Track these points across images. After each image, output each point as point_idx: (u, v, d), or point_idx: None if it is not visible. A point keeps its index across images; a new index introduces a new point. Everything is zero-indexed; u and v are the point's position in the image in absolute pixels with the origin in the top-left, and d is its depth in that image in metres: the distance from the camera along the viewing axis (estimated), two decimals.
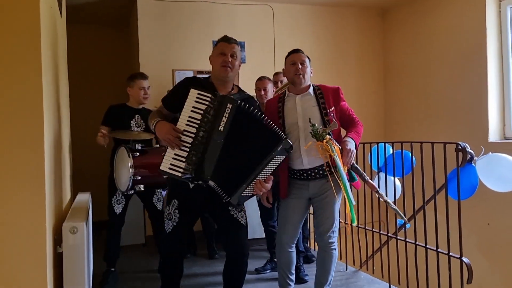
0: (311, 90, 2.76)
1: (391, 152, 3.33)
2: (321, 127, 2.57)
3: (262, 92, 3.64)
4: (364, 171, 3.34)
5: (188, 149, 2.23)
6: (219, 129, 2.22)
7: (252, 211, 4.35)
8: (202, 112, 2.23)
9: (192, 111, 2.23)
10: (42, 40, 1.75)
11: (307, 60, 2.78)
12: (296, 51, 2.81)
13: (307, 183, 2.71)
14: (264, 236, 3.94)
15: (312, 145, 2.56)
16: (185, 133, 2.23)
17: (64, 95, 3.10)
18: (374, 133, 5.87)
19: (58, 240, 2.00)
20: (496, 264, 4.38)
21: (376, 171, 3.54)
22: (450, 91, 5.02)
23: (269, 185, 2.36)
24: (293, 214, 2.77)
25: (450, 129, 4.97)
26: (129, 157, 2.99)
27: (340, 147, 2.58)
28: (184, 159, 2.22)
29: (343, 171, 2.53)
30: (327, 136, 2.54)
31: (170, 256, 2.55)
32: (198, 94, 2.23)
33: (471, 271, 2.69)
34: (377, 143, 3.50)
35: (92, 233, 2.98)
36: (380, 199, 2.69)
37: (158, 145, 3.45)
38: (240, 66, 2.51)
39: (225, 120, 2.21)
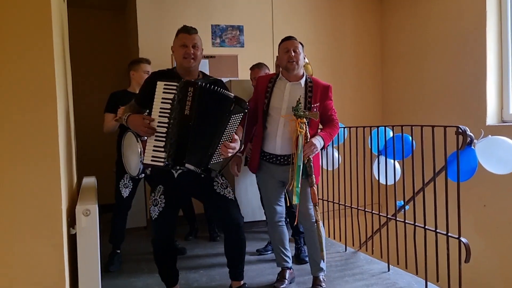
0: (303, 81, 2.86)
1: (391, 135, 3.38)
2: (304, 110, 2.71)
3: (253, 83, 3.68)
4: (364, 155, 3.43)
5: (164, 139, 2.33)
6: (185, 113, 2.33)
7: (252, 194, 4.42)
8: (170, 101, 2.33)
9: (162, 102, 2.34)
10: (54, 27, 1.77)
11: (300, 46, 2.86)
12: (289, 38, 2.90)
13: (276, 167, 2.85)
14: (264, 218, 4.01)
15: (290, 118, 2.72)
16: (159, 124, 2.34)
17: (69, 80, 3.12)
18: (372, 117, 5.94)
19: (71, 222, 2.05)
20: (492, 244, 4.49)
21: (376, 154, 3.60)
22: (448, 74, 5.06)
23: (234, 144, 2.43)
24: (273, 192, 2.94)
25: (448, 112, 5.03)
26: (138, 141, 3.03)
27: (308, 139, 2.72)
28: (162, 149, 2.33)
29: (297, 156, 2.67)
30: (304, 119, 2.68)
31: (160, 241, 2.64)
32: (165, 85, 2.34)
33: (469, 251, 2.77)
34: (377, 127, 3.55)
35: None
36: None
37: None
38: (202, 54, 2.58)
39: (189, 104, 2.33)
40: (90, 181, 3.00)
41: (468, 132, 2.81)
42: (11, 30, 1.66)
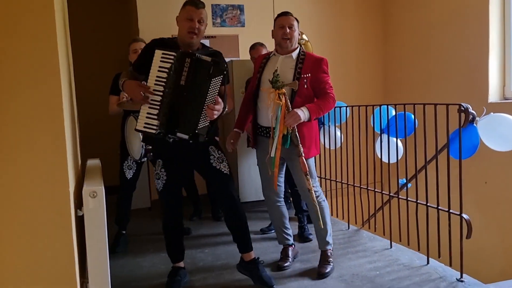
0: (295, 53, 2.85)
1: (394, 114, 3.39)
2: (283, 81, 2.68)
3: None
4: (366, 134, 3.43)
5: (158, 107, 2.35)
6: (181, 83, 2.35)
7: (255, 174, 4.44)
8: (167, 70, 2.34)
9: (159, 70, 2.35)
10: (56, 12, 1.77)
11: (295, 23, 2.86)
12: (285, 14, 2.90)
13: (267, 142, 2.82)
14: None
15: (268, 90, 2.71)
16: (155, 92, 2.35)
17: (71, 63, 3.12)
18: (374, 95, 5.92)
19: (78, 204, 2.07)
20: (492, 221, 4.54)
21: (379, 132, 3.61)
22: (450, 52, 5.03)
23: (218, 106, 2.43)
24: (265, 169, 2.91)
25: (451, 90, 5.01)
26: None
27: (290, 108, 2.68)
28: (156, 117, 2.36)
29: (279, 126, 2.65)
30: (283, 89, 2.66)
31: (168, 213, 2.71)
32: (163, 54, 2.35)
33: (470, 227, 2.81)
34: (380, 105, 3.55)
35: None
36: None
37: None
38: (205, 30, 2.57)
39: (185, 74, 2.34)
40: (94, 163, 3.02)
41: (470, 110, 2.82)
42: (16, 18, 1.66)
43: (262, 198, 4.44)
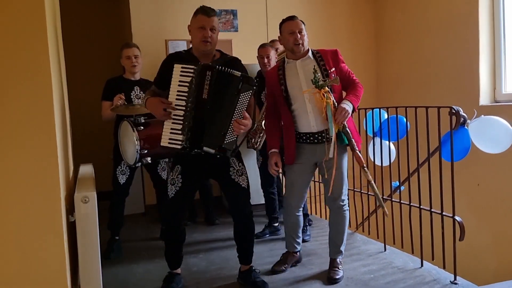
0: (310, 54, 2.81)
1: (386, 117, 3.40)
2: (323, 78, 2.66)
3: (265, 60, 3.59)
4: (359, 136, 3.43)
5: (181, 122, 2.34)
6: (203, 97, 2.34)
7: (254, 177, 4.44)
8: (188, 84, 2.33)
9: (179, 85, 2.34)
10: (47, 16, 1.77)
11: (303, 26, 2.81)
12: (292, 18, 2.83)
13: (315, 147, 2.78)
14: (263, 202, 4.05)
15: (312, 91, 2.65)
16: (177, 107, 2.34)
17: (63, 68, 3.11)
18: (367, 99, 5.91)
19: (69, 209, 2.06)
20: (485, 223, 4.56)
21: (372, 136, 3.62)
22: (441, 55, 5.06)
23: (246, 121, 2.41)
24: (299, 179, 2.88)
25: (442, 93, 5.05)
26: (134, 131, 3.03)
27: (336, 105, 2.65)
28: (180, 132, 2.34)
29: (333, 125, 2.62)
30: (326, 88, 2.63)
31: (173, 220, 2.67)
32: (182, 68, 2.34)
33: (463, 229, 2.82)
34: (372, 109, 3.57)
35: None
36: (366, 177, 2.76)
37: None
38: (218, 37, 2.56)
39: (207, 88, 2.33)
40: (87, 168, 3.02)
41: (461, 113, 2.84)
42: (6, 20, 1.66)
43: (256, 202, 4.48)
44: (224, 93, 2.36)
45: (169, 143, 2.36)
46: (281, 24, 2.85)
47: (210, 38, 2.46)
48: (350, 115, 2.69)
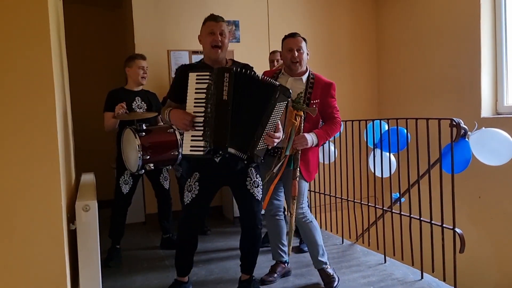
0: (305, 77, 2.85)
1: (387, 128, 3.42)
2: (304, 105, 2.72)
3: (276, 64, 3.70)
4: (360, 148, 3.45)
5: (202, 128, 2.34)
6: (224, 98, 2.31)
7: None
8: (205, 90, 2.32)
9: (196, 92, 2.34)
10: (51, 25, 1.79)
11: (303, 44, 2.84)
12: (292, 35, 2.87)
13: (273, 160, 2.82)
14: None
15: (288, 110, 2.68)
16: (196, 114, 2.34)
17: (66, 78, 3.14)
18: (368, 110, 5.97)
19: (70, 217, 2.07)
20: (487, 235, 4.54)
21: (372, 147, 3.63)
22: (443, 67, 5.09)
23: (279, 134, 2.44)
24: (271, 185, 2.87)
25: (443, 105, 5.06)
26: (136, 137, 3.06)
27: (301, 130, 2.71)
28: (201, 138, 2.33)
29: (288, 147, 2.68)
30: (302, 112, 2.68)
31: (188, 227, 2.68)
32: (197, 75, 2.34)
33: (463, 241, 2.81)
34: (373, 120, 3.58)
35: None
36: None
37: (162, 123, 3.54)
38: (229, 43, 2.57)
39: (226, 89, 2.31)
40: (88, 177, 3.03)
41: (462, 124, 2.85)
42: (8, 29, 1.68)
43: None
44: (252, 97, 2.35)
45: (190, 150, 2.35)
46: (283, 40, 2.90)
47: (220, 42, 2.47)
48: (308, 146, 2.71)
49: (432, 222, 3.03)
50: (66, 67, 3.38)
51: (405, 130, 3.23)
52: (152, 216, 4.63)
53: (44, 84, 1.74)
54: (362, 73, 6.03)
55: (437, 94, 5.17)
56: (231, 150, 2.37)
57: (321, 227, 4.49)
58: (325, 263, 2.96)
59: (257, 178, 2.64)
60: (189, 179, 2.61)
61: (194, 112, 2.34)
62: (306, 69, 2.89)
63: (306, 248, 3.62)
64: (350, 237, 4.02)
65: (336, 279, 2.91)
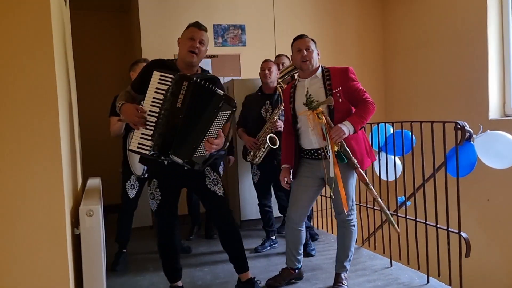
0: (318, 72, 2.83)
1: (392, 131, 3.40)
2: (318, 100, 2.66)
3: (266, 72, 3.70)
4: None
5: (153, 128, 2.37)
6: (177, 106, 2.36)
7: (249, 192, 4.46)
8: (164, 92, 2.36)
9: (155, 92, 2.37)
10: (54, 31, 1.81)
11: (312, 44, 2.84)
12: (300, 37, 2.88)
13: (318, 162, 2.79)
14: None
15: (305, 113, 2.68)
16: (150, 113, 2.37)
17: (72, 83, 3.17)
18: (375, 114, 5.93)
19: (75, 222, 2.09)
20: (496, 239, 4.50)
21: (377, 150, 3.62)
22: (450, 69, 5.06)
23: (218, 141, 2.44)
24: (303, 193, 2.88)
25: (451, 107, 5.03)
26: None
27: (331, 124, 2.65)
28: (150, 138, 2.37)
29: (330, 145, 2.62)
30: (320, 108, 2.63)
31: (162, 233, 2.72)
32: (161, 75, 2.37)
33: (469, 245, 2.79)
34: (378, 123, 3.57)
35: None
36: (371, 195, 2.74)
37: None
38: (206, 52, 2.60)
39: (182, 97, 2.35)
40: (94, 182, 3.05)
41: (467, 127, 2.83)
42: (11, 36, 1.71)
43: (255, 217, 4.48)
44: (201, 106, 2.39)
45: (137, 147, 2.37)
46: (292, 44, 2.90)
47: (197, 49, 2.51)
48: (346, 135, 2.62)
49: (438, 226, 3.01)
50: (72, 72, 3.41)
51: (410, 133, 3.22)
52: None
53: (47, 92, 1.76)
54: (368, 76, 6.01)
55: (445, 97, 5.14)
56: (173, 157, 2.40)
57: (327, 231, 4.50)
58: (347, 270, 2.96)
59: (214, 176, 2.67)
60: (149, 187, 2.65)
61: (149, 110, 2.36)
62: (318, 66, 2.87)
63: (314, 252, 3.63)
64: (356, 241, 3.99)
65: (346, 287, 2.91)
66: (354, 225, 2.90)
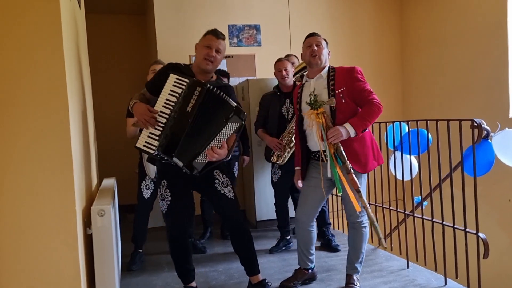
0: (324, 72, 2.80)
1: (407, 130, 3.35)
2: (322, 100, 2.65)
3: (284, 73, 3.67)
4: (380, 150, 3.39)
5: (162, 129, 2.39)
6: (187, 110, 2.37)
7: (270, 193, 4.44)
8: (177, 95, 2.38)
9: (169, 94, 2.40)
10: (64, 33, 1.84)
11: (323, 42, 2.82)
12: (312, 35, 2.86)
13: (325, 164, 2.76)
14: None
15: (309, 113, 2.67)
16: (161, 114, 2.39)
17: (87, 85, 3.21)
18: (392, 111, 5.87)
19: (87, 222, 2.12)
20: None
21: (392, 150, 3.57)
22: (469, 66, 4.96)
23: (221, 151, 2.45)
24: (312, 194, 2.85)
25: (470, 104, 4.93)
26: None
27: (330, 125, 2.62)
28: (157, 138, 2.38)
29: (328, 146, 2.61)
30: (321, 108, 2.62)
31: (173, 234, 2.71)
32: (176, 78, 2.40)
33: (487, 246, 2.72)
34: (393, 122, 3.52)
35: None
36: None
37: None
38: (222, 60, 2.61)
39: (193, 102, 2.36)
40: (109, 182, 3.09)
41: (484, 126, 2.76)
42: (21, 39, 1.74)
43: (271, 217, 4.46)
44: (211, 114, 2.40)
45: (144, 146, 2.39)
46: (303, 42, 2.89)
47: (213, 58, 2.53)
48: (344, 137, 2.57)
49: (455, 226, 2.94)
50: (88, 74, 3.46)
51: (426, 132, 3.15)
52: None
53: (57, 95, 1.79)
54: (386, 75, 5.94)
55: (464, 94, 5.04)
56: (175, 160, 2.41)
57: (342, 231, 4.46)
58: (358, 272, 2.92)
59: (224, 178, 2.67)
60: (159, 188, 2.66)
61: (161, 111, 2.39)
62: (327, 65, 2.84)
63: (339, 247, 3.69)
64: (372, 242, 3.95)
65: None
66: (365, 227, 2.85)
